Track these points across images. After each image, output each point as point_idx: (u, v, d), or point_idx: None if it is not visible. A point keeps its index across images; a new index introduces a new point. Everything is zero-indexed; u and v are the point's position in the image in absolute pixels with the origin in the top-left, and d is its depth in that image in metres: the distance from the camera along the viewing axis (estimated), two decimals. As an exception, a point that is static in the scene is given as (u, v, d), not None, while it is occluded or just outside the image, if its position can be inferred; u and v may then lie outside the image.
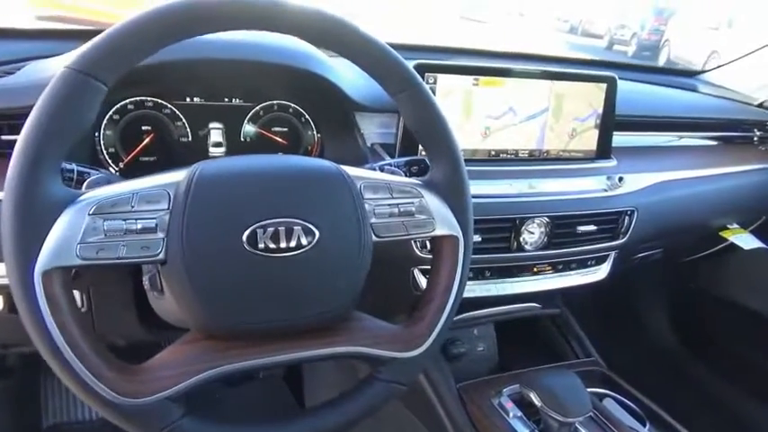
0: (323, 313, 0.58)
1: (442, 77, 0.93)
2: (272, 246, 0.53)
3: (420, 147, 0.93)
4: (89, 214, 0.49)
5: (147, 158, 0.87)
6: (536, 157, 1.04)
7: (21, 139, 0.47)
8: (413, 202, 0.62)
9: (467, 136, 0.97)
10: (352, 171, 0.61)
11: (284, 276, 0.54)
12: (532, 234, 0.98)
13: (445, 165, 0.64)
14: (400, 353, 0.63)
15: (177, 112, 0.87)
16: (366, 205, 0.60)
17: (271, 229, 0.53)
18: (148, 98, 0.85)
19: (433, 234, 0.64)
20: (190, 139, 0.89)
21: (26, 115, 0.48)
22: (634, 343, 1.65)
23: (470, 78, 0.95)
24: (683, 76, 1.62)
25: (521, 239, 0.97)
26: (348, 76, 0.90)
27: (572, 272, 1.06)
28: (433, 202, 0.63)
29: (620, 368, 1.15)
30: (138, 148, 0.86)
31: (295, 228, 0.54)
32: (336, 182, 0.58)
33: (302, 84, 0.89)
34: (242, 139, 0.92)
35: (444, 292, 0.65)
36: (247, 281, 0.53)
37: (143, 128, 0.86)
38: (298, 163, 0.60)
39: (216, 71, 0.85)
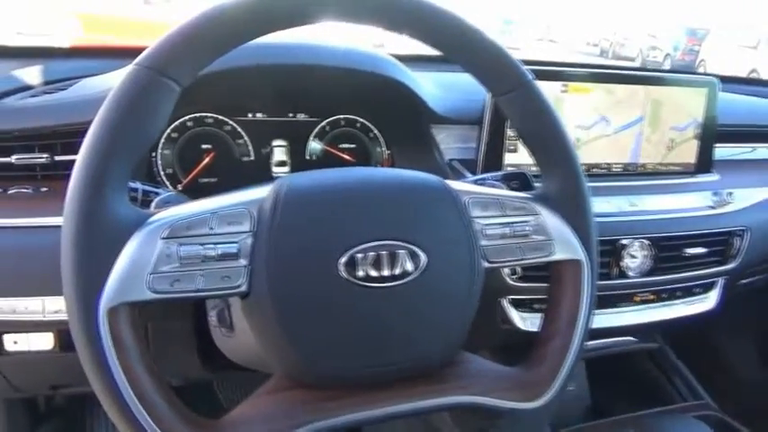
0: (431, 355, 0.48)
1: (528, 84, 0.83)
2: (373, 274, 0.44)
3: (504, 163, 0.84)
4: (161, 238, 0.41)
5: (206, 179, 0.80)
6: (631, 172, 0.92)
7: (83, 149, 0.40)
8: (528, 221, 0.53)
9: (555, 149, 0.87)
10: (455, 185, 0.51)
11: (388, 311, 0.45)
12: (635, 258, 0.86)
13: (563, 175, 0.54)
14: (521, 403, 0.52)
15: (239, 128, 0.80)
16: (475, 224, 0.50)
17: (372, 254, 0.44)
18: (208, 114, 0.78)
19: (551, 258, 0.53)
20: (252, 157, 0.82)
21: (79, 132, 0.42)
22: (741, 381, 1.48)
23: (558, 84, 0.85)
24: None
25: (622, 264, 0.85)
26: (425, 84, 0.82)
27: (677, 301, 0.93)
28: (551, 220, 0.53)
29: (732, 410, 1.01)
30: (198, 168, 0.79)
31: (399, 252, 0.45)
32: (441, 197, 0.49)
33: (375, 93, 0.81)
34: (307, 158, 0.85)
35: (567, 328, 0.54)
36: (345, 317, 0.44)
37: (203, 146, 0.79)
38: (397, 176, 0.51)
39: (282, 81, 0.77)
